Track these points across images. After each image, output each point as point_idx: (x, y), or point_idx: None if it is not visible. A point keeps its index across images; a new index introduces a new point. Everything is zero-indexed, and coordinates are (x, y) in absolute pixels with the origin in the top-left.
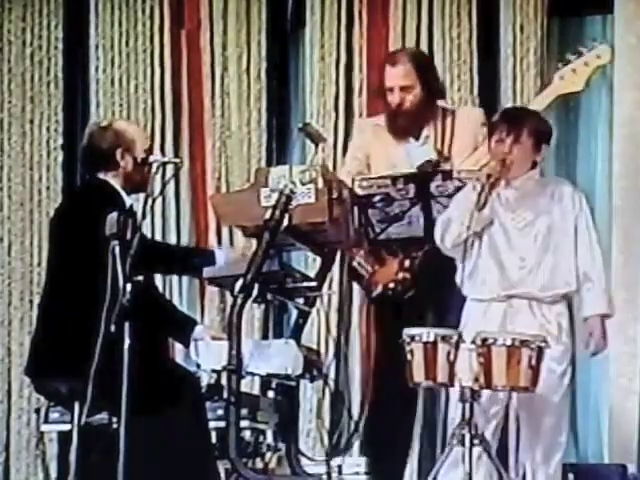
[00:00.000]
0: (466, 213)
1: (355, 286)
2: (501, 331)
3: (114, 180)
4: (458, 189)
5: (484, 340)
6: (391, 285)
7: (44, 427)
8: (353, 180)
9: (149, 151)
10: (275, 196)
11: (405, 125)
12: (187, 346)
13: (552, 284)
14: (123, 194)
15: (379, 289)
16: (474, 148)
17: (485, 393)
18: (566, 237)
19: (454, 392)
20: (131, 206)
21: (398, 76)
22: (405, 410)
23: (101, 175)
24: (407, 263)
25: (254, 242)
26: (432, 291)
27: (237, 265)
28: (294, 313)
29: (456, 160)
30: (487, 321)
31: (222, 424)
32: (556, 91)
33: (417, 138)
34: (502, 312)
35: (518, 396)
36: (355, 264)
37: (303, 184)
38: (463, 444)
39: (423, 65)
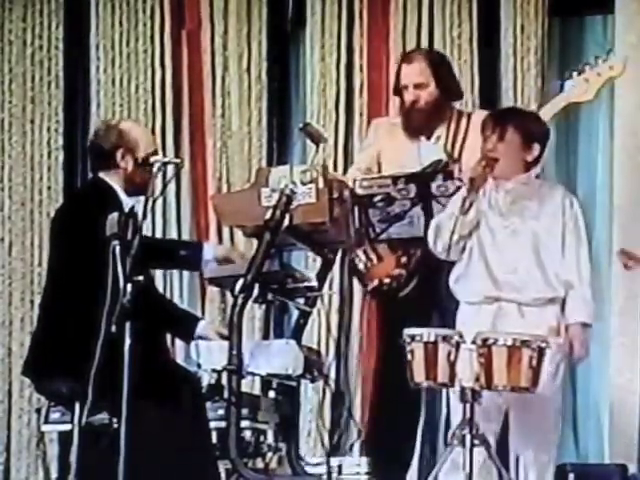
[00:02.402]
0: (452, 217)
1: (356, 286)
2: (501, 331)
3: (113, 180)
4: (459, 189)
5: (485, 340)
6: (386, 280)
7: (45, 427)
8: (354, 180)
9: (154, 154)
10: (276, 196)
11: (418, 123)
12: (189, 342)
13: (538, 289)
14: (122, 194)
15: (375, 283)
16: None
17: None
18: (554, 243)
19: (454, 394)
20: (132, 207)
21: (413, 73)
22: (408, 410)
23: (102, 175)
24: (404, 260)
25: (254, 242)
26: (430, 290)
27: (226, 261)
28: (295, 313)
29: (466, 163)
30: (479, 324)
31: (223, 424)
32: (568, 99)
33: (429, 137)
34: (492, 314)
35: (509, 396)
36: (354, 257)
37: (304, 184)
38: (464, 445)
39: (438, 64)
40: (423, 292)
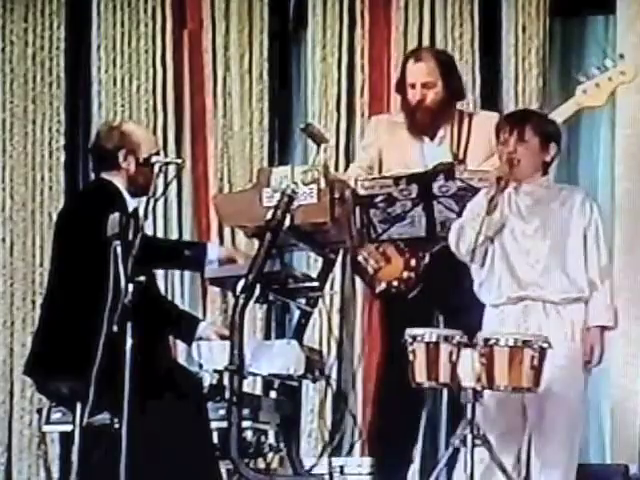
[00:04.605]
0: (477, 218)
1: (357, 286)
2: (505, 332)
3: (117, 181)
4: (460, 189)
5: (486, 340)
6: (395, 283)
7: (46, 427)
8: (355, 180)
9: (156, 155)
10: (277, 196)
11: (423, 122)
12: (189, 344)
13: (563, 288)
14: (126, 195)
15: (383, 286)
16: (489, 153)
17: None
18: (576, 245)
19: None
20: (135, 208)
21: (421, 72)
22: (410, 409)
23: (105, 175)
24: (413, 263)
25: (256, 242)
26: (439, 292)
27: (229, 262)
28: (296, 313)
29: (470, 164)
30: (504, 325)
31: (224, 424)
32: (578, 104)
33: (432, 138)
34: (517, 315)
35: (528, 396)
36: (360, 258)
37: (305, 184)
38: (465, 444)
39: (446, 64)
40: (428, 293)
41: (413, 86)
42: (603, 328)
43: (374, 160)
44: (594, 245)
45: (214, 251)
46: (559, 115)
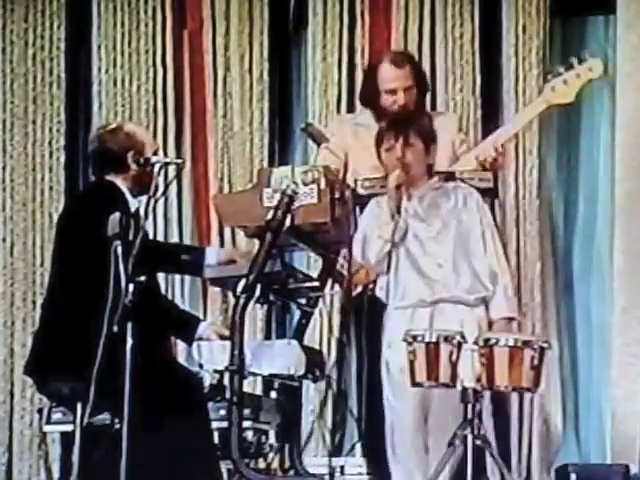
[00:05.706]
0: (383, 226)
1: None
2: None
3: (121, 182)
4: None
5: (486, 340)
6: (371, 286)
7: (46, 428)
8: (355, 180)
9: (155, 154)
10: (277, 196)
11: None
12: (190, 344)
13: (474, 287)
14: (128, 196)
15: (359, 289)
16: (452, 154)
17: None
18: (476, 241)
19: None
20: (137, 208)
21: (404, 77)
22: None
23: (109, 177)
24: None
25: (256, 242)
26: None
27: (229, 266)
28: (297, 313)
29: (436, 166)
30: (415, 326)
31: (224, 424)
32: (547, 102)
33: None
34: (429, 316)
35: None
36: (336, 261)
37: (305, 184)
38: (465, 444)
39: (417, 65)
40: None
41: (394, 92)
42: (508, 320)
43: (340, 163)
44: (490, 237)
45: (213, 256)
46: (528, 113)
